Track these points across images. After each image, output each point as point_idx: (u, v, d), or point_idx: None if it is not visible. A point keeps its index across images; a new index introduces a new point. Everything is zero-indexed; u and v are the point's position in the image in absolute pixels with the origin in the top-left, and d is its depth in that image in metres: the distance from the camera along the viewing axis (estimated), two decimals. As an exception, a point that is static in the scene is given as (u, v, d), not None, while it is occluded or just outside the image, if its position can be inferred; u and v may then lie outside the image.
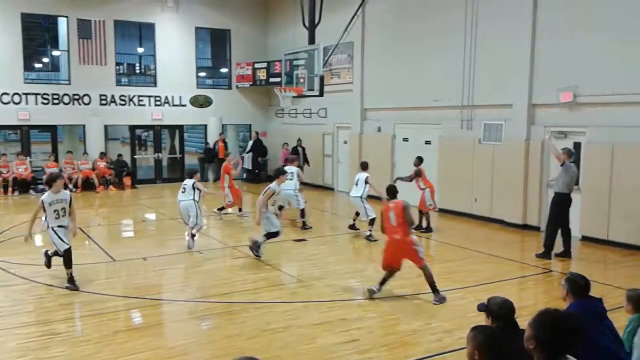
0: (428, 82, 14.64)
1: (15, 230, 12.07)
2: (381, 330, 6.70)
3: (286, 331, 6.54)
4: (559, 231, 9.91)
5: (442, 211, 14.22)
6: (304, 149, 19.08)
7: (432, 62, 14.51)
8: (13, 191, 17.57)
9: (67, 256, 7.99)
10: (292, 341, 6.28)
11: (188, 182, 10.86)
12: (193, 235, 10.56)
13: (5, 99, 18.09)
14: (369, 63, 17.00)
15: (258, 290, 8.20)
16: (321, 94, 14.58)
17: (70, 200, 8.26)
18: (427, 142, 15.07)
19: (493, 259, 10.09)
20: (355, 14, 15.21)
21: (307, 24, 15.34)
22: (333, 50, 15.82)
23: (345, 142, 18.53)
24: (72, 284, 8.03)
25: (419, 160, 12.35)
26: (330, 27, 15.67)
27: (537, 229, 12.16)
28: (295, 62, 16.00)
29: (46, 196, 8.03)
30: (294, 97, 15.28)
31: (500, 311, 3.89)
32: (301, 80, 15.51)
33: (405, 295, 7.86)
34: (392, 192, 8.16)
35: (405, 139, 15.93)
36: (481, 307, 3.98)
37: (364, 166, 12.05)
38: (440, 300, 7.53)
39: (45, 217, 8.06)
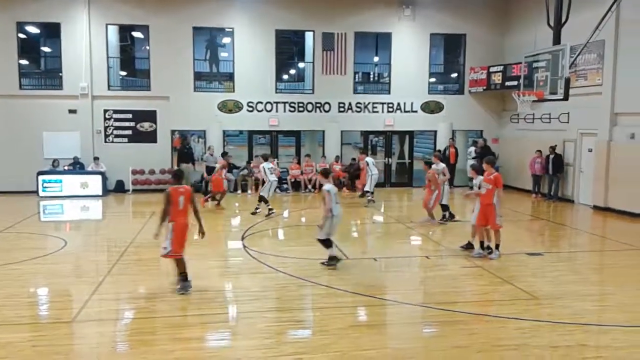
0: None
1: (264, 224, 13.57)
2: (631, 364, 5.87)
3: (519, 350, 6.13)
4: None
5: None
6: (558, 155, 17.73)
7: None
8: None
9: None
10: (526, 362, 5.87)
11: None
12: None
13: (260, 107, 20.43)
14: (623, 63, 15.16)
15: (487, 303, 7.88)
16: (566, 98, 13.43)
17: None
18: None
19: None
20: (609, 9, 13.70)
21: (552, 23, 14.28)
22: (581, 50, 14.44)
23: (590, 150, 16.79)
24: None
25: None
26: (578, 25, 14.35)
27: None
28: (535, 65, 15.03)
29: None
30: (533, 101, 14.35)
31: None
32: (541, 83, 14.51)
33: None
34: None
35: (668, 149, 13.83)
36: None
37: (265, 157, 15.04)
38: None
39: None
